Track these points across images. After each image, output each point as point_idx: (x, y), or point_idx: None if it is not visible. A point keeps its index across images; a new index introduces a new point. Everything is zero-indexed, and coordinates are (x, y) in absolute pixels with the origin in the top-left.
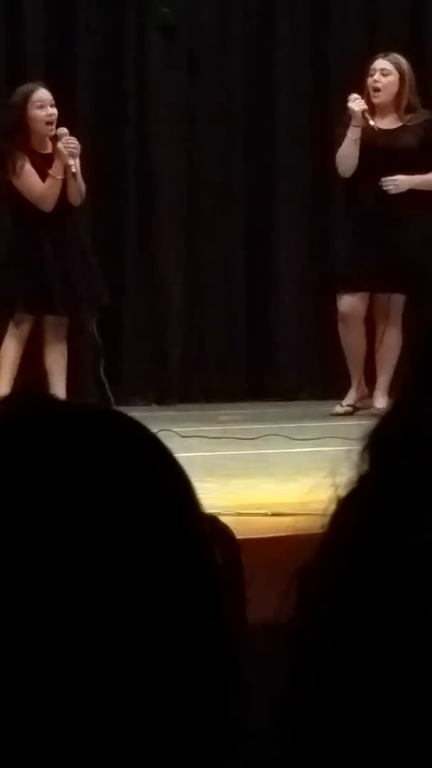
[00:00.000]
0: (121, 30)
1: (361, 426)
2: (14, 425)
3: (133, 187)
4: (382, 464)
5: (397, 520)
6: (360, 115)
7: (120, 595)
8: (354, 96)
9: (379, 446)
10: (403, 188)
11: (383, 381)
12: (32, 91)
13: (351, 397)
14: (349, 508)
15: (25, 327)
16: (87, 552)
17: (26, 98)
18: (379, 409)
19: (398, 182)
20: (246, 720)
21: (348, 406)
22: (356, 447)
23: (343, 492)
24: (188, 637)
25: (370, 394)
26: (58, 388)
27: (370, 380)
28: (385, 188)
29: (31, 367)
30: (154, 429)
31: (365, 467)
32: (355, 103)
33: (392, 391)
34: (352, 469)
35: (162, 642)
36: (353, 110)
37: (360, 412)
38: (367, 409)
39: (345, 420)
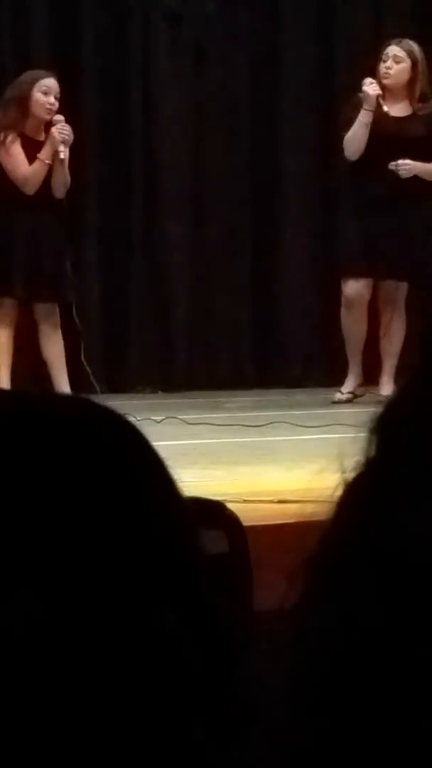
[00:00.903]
0: (127, 19)
1: (367, 413)
2: None
3: (139, 175)
4: (389, 449)
5: (404, 505)
6: (374, 99)
7: (96, 584)
8: (369, 80)
9: (386, 431)
10: (413, 173)
11: (389, 368)
12: (42, 76)
13: (350, 384)
14: (356, 494)
15: (6, 311)
16: (58, 540)
17: (34, 81)
18: (385, 396)
19: (410, 166)
20: (251, 708)
21: (348, 393)
22: (363, 433)
23: (349, 477)
24: (178, 624)
25: (369, 381)
26: (60, 379)
27: (373, 368)
28: (397, 171)
29: (34, 360)
30: (160, 416)
31: (372, 452)
32: (371, 87)
33: (398, 378)
34: (358, 454)
35: (151, 630)
36: (368, 94)
37: (361, 398)
38: (363, 395)
39: (351, 407)
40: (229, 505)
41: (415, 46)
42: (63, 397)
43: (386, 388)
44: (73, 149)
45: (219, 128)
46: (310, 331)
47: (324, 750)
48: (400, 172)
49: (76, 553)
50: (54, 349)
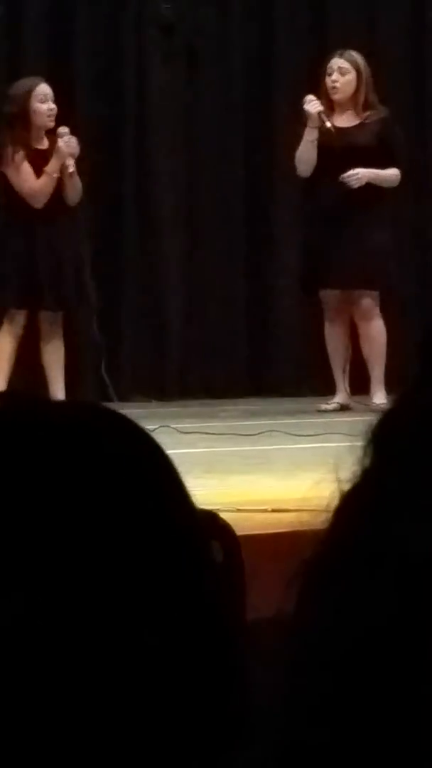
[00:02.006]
0: (121, 26)
1: (362, 422)
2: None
3: (132, 183)
4: (385, 459)
5: (401, 515)
6: (316, 116)
7: (108, 591)
8: (309, 97)
9: (382, 441)
10: (364, 181)
11: (376, 376)
12: (35, 85)
13: (339, 399)
14: (352, 503)
15: (19, 322)
16: (75, 548)
17: (29, 91)
18: (377, 405)
19: (360, 175)
20: (248, 716)
21: (335, 403)
22: (359, 442)
23: (345, 487)
24: (181, 633)
25: (362, 391)
26: (57, 385)
27: (366, 376)
28: (347, 183)
29: (28, 366)
30: (154, 425)
31: (368, 462)
32: (311, 105)
33: (389, 384)
34: (354, 464)
35: (154, 637)
36: (309, 112)
37: (353, 408)
38: (351, 408)
39: (345, 416)
40: (223, 515)
41: (357, 56)
42: (72, 402)
43: (378, 396)
44: None
45: (213, 137)
46: (304, 340)
47: (322, 757)
48: (351, 183)
49: (78, 558)
50: (54, 355)
